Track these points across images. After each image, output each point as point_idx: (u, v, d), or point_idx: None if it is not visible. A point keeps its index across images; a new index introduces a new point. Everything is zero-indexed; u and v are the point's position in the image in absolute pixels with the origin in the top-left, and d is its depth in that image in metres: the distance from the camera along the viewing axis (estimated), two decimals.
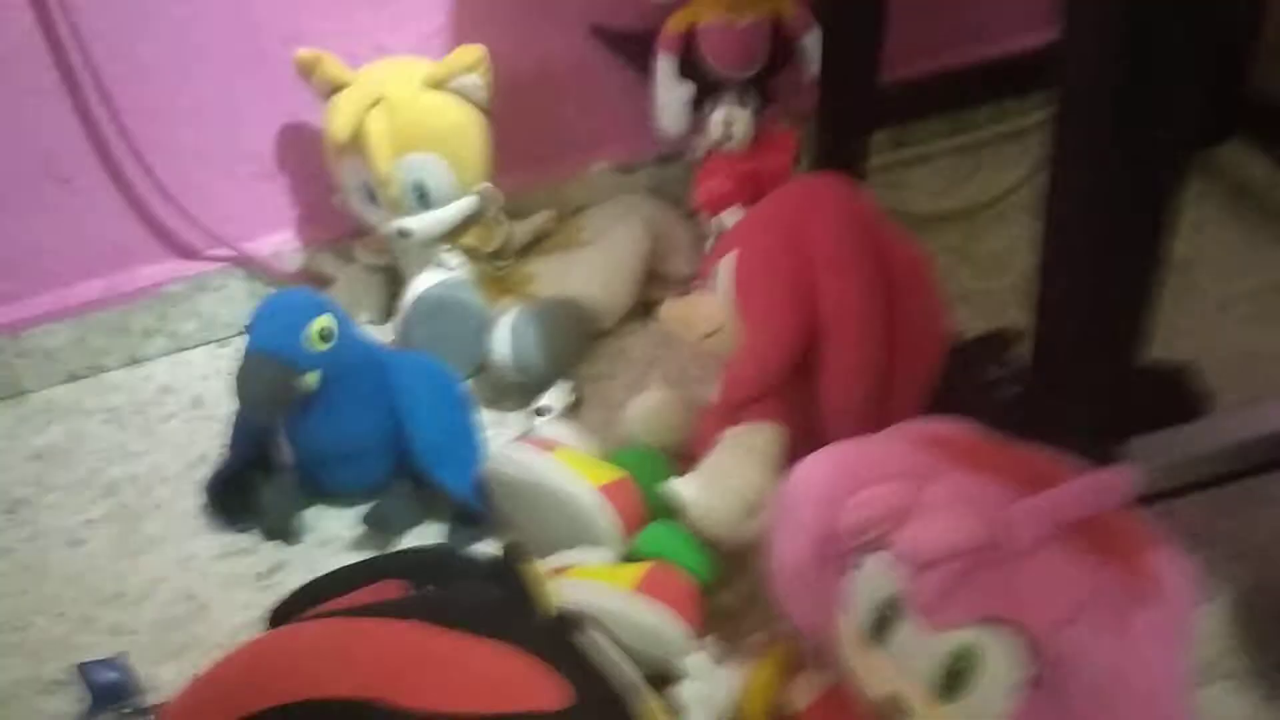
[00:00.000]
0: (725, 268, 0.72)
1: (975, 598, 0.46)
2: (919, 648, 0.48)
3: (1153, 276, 0.58)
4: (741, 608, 0.73)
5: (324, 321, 0.77)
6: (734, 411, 0.74)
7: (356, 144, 0.89)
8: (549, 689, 0.51)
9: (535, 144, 1.06)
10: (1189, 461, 0.73)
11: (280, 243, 1.06)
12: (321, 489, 0.85)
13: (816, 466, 0.55)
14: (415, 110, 0.90)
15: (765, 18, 0.92)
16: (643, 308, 0.97)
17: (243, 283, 1.06)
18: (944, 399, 0.71)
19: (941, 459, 0.52)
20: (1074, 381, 0.64)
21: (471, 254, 0.97)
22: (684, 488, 0.70)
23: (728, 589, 0.74)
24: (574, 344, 0.93)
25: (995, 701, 0.46)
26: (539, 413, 0.88)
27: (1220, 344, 0.85)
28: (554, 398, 0.89)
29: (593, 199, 1.08)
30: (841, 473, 0.53)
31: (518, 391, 0.91)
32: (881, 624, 0.50)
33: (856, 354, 0.68)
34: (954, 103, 1.10)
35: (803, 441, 0.66)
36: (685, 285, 0.89)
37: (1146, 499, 0.49)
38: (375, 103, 0.89)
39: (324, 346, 0.77)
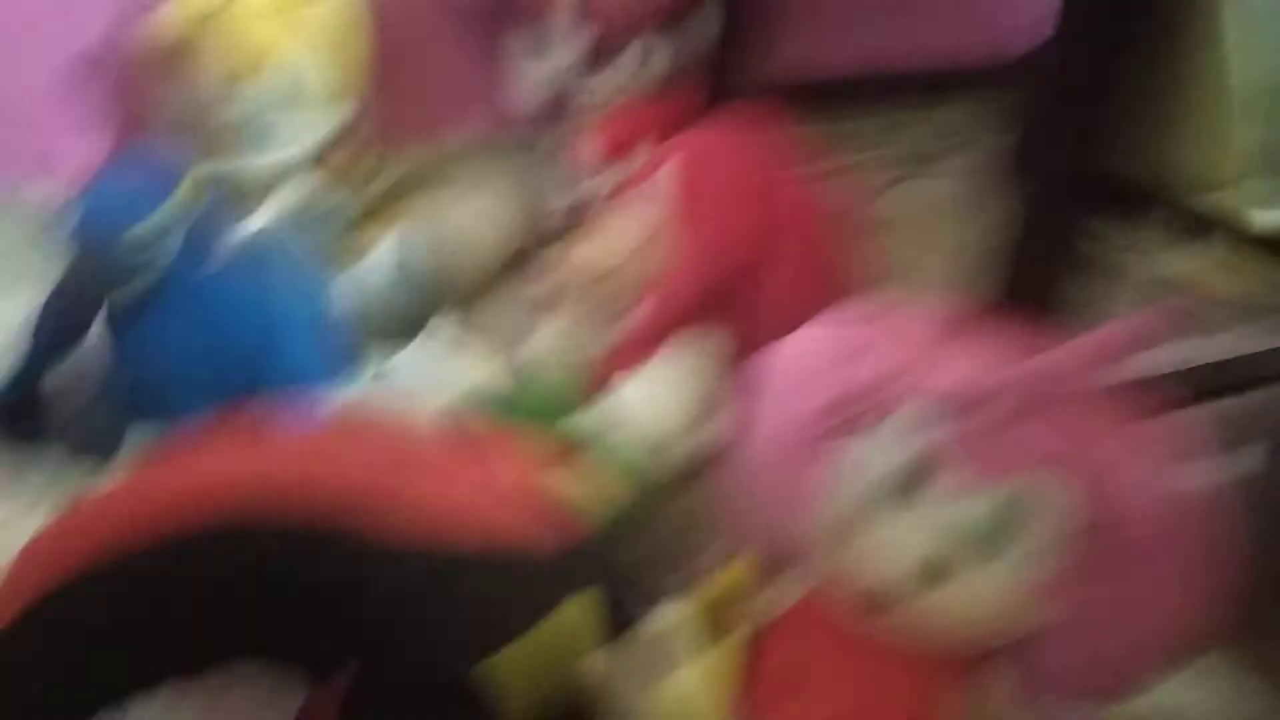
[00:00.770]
0: (664, 177, 0.69)
1: (1028, 441, 0.43)
2: (957, 506, 0.44)
3: None
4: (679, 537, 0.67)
5: (165, 217, 0.62)
6: (662, 331, 0.69)
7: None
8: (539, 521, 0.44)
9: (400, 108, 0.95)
10: None
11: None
12: (144, 414, 0.68)
13: (805, 339, 0.51)
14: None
15: None
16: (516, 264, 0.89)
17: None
18: None
19: (945, 330, 0.48)
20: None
21: (332, 186, 0.85)
22: (624, 393, 0.64)
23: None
24: (454, 281, 0.84)
25: (1043, 557, 0.43)
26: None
27: None
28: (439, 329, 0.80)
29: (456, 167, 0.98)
30: (839, 339, 0.49)
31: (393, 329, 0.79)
32: (913, 483, 0.45)
33: (814, 261, 0.67)
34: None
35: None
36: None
37: None
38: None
39: (166, 248, 0.63)
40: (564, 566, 0.43)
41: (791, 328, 0.57)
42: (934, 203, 0.86)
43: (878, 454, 0.45)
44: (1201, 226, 0.74)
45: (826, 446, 0.47)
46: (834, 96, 0.94)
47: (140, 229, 0.62)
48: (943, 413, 0.44)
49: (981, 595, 0.44)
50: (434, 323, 0.79)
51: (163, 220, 0.63)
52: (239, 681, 0.40)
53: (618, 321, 0.71)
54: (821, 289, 0.65)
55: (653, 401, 0.64)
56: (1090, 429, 0.43)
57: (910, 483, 0.44)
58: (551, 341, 0.73)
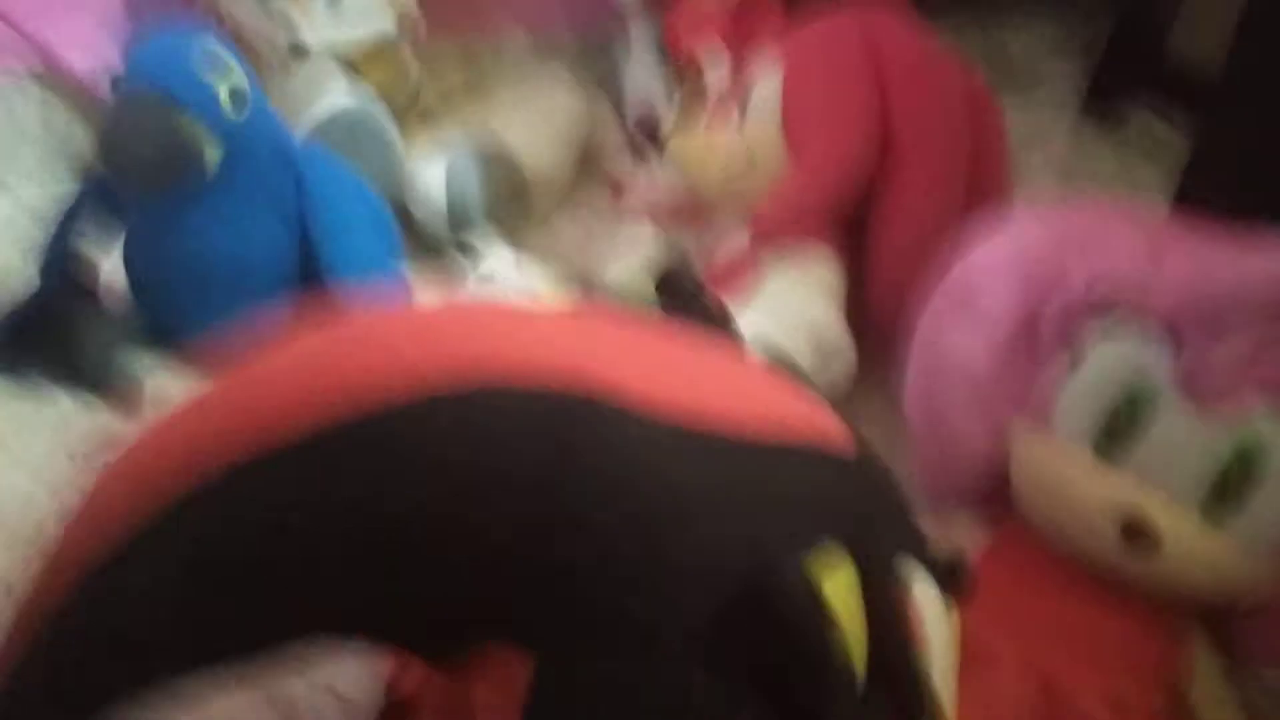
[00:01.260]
0: (767, 88, 0.61)
1: (1268, 362, 0.35)
2: (1186, 445, 0.37)
3: None
4: None
5: (236, 78, 0.55)
6: (774, 247, 0.60)
7: None
8: (840, 430, 0.34)
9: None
10: None
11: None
12: (165, 336, 0.59)
13: (1004, 242, 0.43)
14: None
15: None
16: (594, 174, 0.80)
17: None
18: None
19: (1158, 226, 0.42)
20: None
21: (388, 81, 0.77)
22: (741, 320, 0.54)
23: None
24: (507, 209, 0.75)
25: None
26: (464, 250, 0.69)
27: None
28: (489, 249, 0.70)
29: (507, 76, 0.89)
30: (1046, 241, 0.41)
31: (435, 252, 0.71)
32: (1127, 423, 0.38)
33: (936, 183, 0.59)
34: None
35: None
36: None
37: None
38: None
39: (234, 115, 0.54)
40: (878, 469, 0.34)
41: (925, 247, 0.52)
42: (1048, 121, 0.78)
43: (1097, 377, 0.39)
44: None
45: (1036, 363, 0.41)
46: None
47: (224, 79, 0.53)
48: (1178, 333, 0.36)
49: (1207, 555, 0.38)
50: (492, 235, 0.71)
51: (233, 79, 0.54)
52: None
53: (719, 242, 0.64)
54: (957, 201, 0.58)
55: (801, 303, 0.56)
56: None
57: (1122, 420, 0.38)
58: (641, 261, 0.65)
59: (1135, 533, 0.38)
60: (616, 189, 0.74)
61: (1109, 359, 0.38)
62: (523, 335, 0.29)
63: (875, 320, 0.59)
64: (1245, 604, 0.40)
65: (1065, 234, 0.41)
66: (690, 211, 0.67)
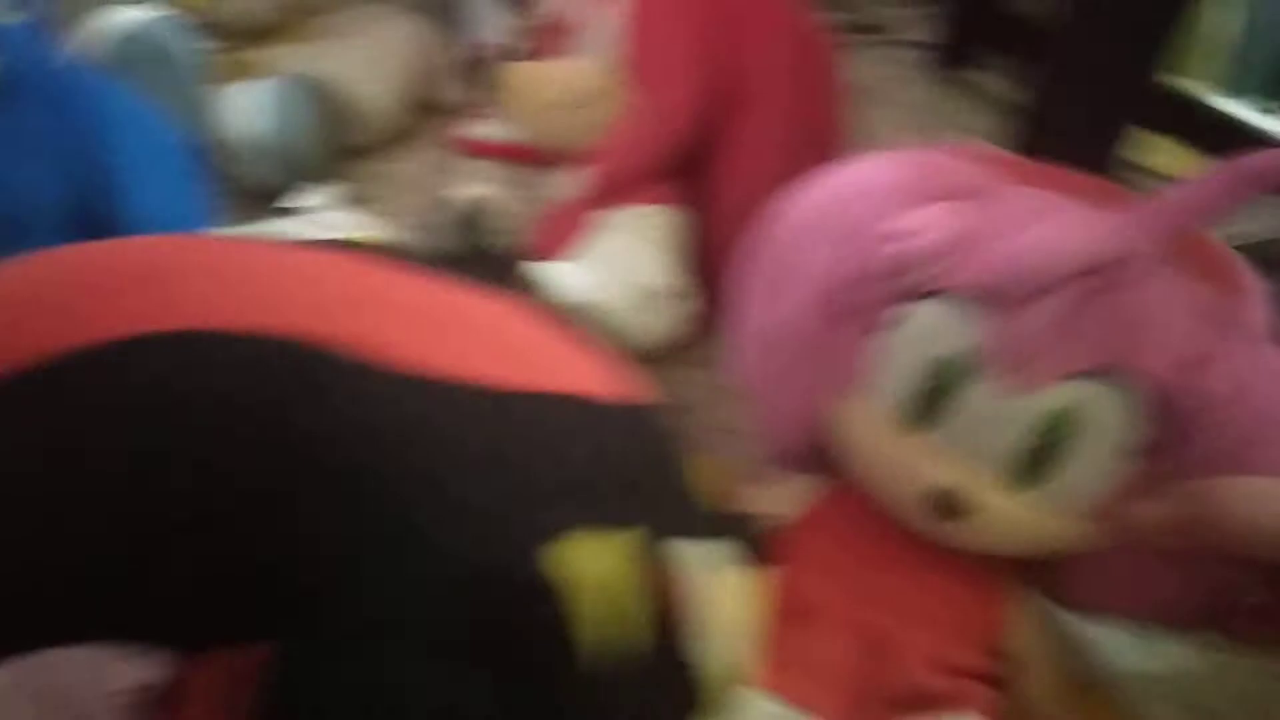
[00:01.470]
0: (605, 21, 0.58)
1: (1085, 339, 0.35)
2: (998, 417, 0.36)
3: None
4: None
5: None
6: (610, 198, 0.58)
7: None
8: (604, 376, 0.32)
9: None
10: None
11: None
12: None
13: (822, 192, 0.41)
14: None
15: None
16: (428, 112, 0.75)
17: None
18: None
19: (990, 175, 0.39)
20: None
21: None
22: (563, 273, 0.52)
23: None
24: (334, 143, 0.69)
25: (1094, 477, 0.36)
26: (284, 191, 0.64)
27: None
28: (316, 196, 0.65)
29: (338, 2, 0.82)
30: (865, 196, 0.39)
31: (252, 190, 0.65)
32: (935, 395, 0.37)
33: (783, 126, 0.57)
34: None
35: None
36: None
37: None
38: None
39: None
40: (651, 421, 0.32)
41: (764, 196, 0.49)
42: (893, 72, 0.78)
43: (910, 349, 0.37)
44: None
45: (854, 328, 0.38)
46: None
47: None
48: (986, 304, 0.35)
49: (1018, 521, 0.37)
50: (320, 177, 0.66)
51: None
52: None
53: (555, 187, 0.60)
54: (803, 146, 0.55)
55: (632, 258, 0.53)
56: (1168, 315, 0.35)
57: (936, 391, 0.36)
58: (474, 206, 0.60)
59: (946, 504, 0.37)
60: (454, 124, 0.70)
61: (918, 330, 0.37)
62: (267, 282, 0.27)
63: (718, 271, 0.57)
64: (1062, 556, 0.40)
65: (882, 195, 0.39)
66: (529, 150, 0.63)
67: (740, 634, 0.34)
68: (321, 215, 0.60)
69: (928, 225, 0.36)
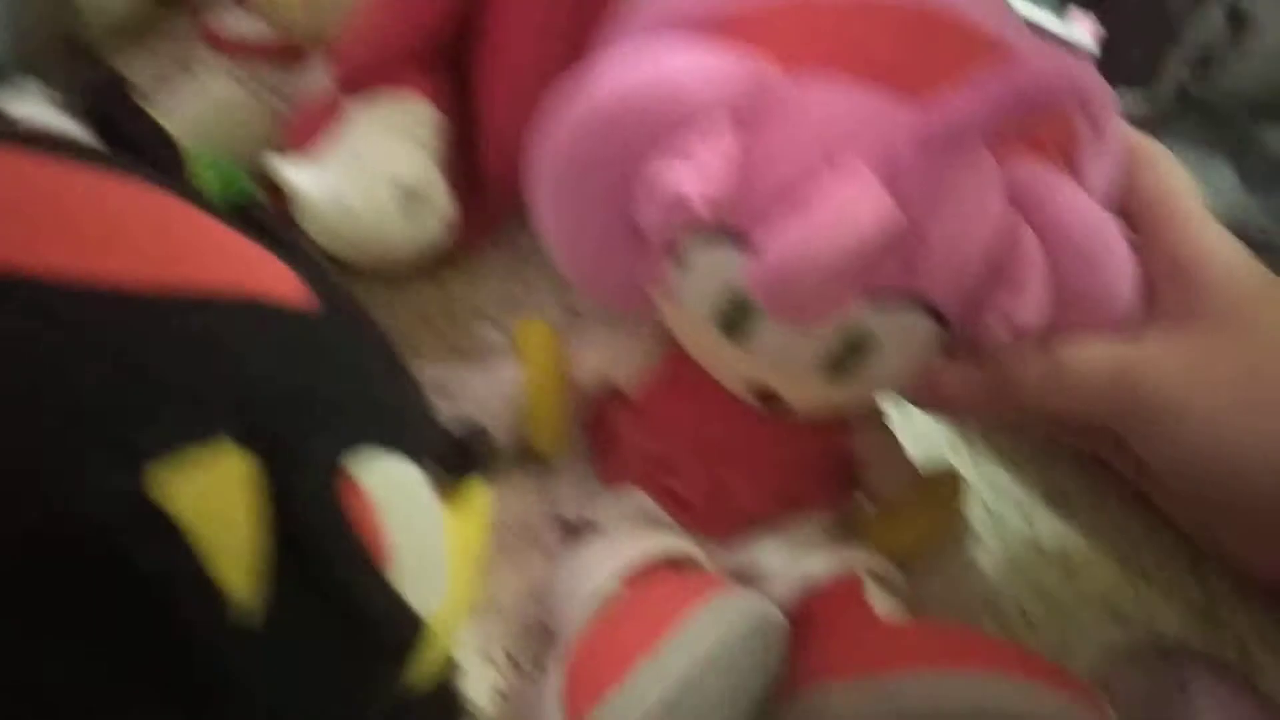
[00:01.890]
0: None
1: (863, 280, 0.33)
2: (792, 344, 0.35)
3: None
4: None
5: None
6: (355, 89, 0.51)
7: None
8: (289, 281, 0.27)
9: None
10: None
11: None
12: None
13: (597, 96, 0.35)
14: None
15: None
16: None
17: None
18: None
19: (764, 62, 0.34)
20: None
21: None
22: (297, 173, 0.46)
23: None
24: (61, 36, 0.61)
25: (902, 365, 0.36)
26: None
27: None
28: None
29: None
30: (643, 110, 0.34)
31: None
32: (735, 318, 0.36)
33: (544, 7, 0.50)
34: None
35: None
36: None
37: None
38: None
39: None
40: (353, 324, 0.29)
41: (535, 92, 0.44)
42: None
43: (698, 285, 0.36)
44: None
45: (653, 251, 0.37)
46: None
47: None
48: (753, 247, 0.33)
49: (835, 405, 0.39)
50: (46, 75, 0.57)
51: None
52: None
53: (309, 83, 0.54)
54: (574, 29, 0.48)
55: (378, 153, 0.47)
56: (954, 231, 0.32)
57: (734, 317, 0.35)
58: (206, 107, 0.54)
59: (765, 394, 0.38)
60: (200, 21, 0.62)
61: (706, 268, 0.35)
62: None
63: (491, 172, 0.52)
64: None
65: (661, 108, 0.34)
66: (279, 45, 0.56)
67: (457, 563, 0.30)
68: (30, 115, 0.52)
69: (705, 162, 0.33)
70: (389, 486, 0.25)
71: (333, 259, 0.48)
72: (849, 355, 0.35)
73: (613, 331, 0.46)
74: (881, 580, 0.42)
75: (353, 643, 0.24)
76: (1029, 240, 0.33)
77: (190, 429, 0.21)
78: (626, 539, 0.40)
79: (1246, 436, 0.32)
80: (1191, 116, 0.51)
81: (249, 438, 0.22)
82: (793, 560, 0.42)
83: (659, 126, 0.33)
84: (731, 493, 0.42)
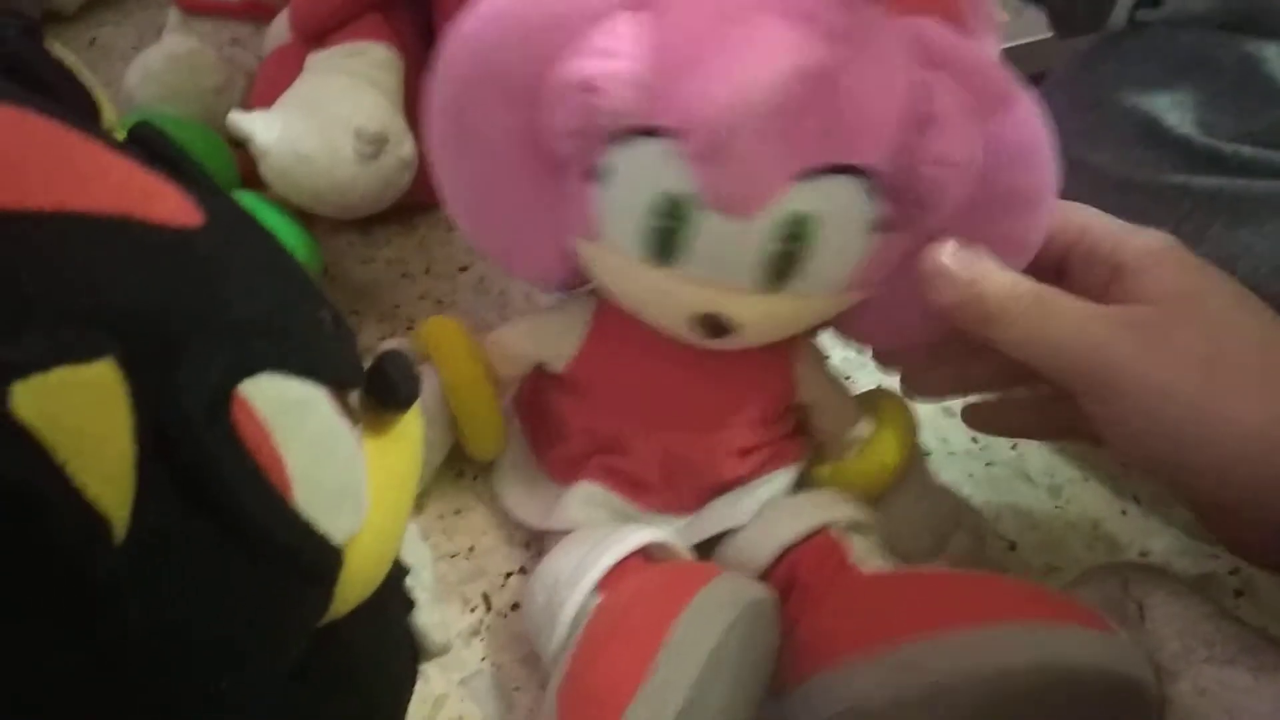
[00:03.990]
0: None
1: (795, 150, 0.31)
2: (731, 244, 0.34)
3: None
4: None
5: None
6: (313, 35, 0.51)
7: None
8: (177, 203, 0.26)
9: None
10: None
11: None
12: None
13: (473, 39, 0.34)
14: None
15: None
16: None
17: None
18: None
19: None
20: None
21: None
22: (260, 124, 0.46)
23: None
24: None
25: (843, 261, 0.35)
26: None
27: None
28: None
29: None
30: (528, 19, 0.33)
31: None
32: (668, 232, 0.34)
33: None
34: None
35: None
36: None
37: None
38: None
39: None
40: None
41: None
42: None
43: (625, 202, 0.34)
44: None
45: (567, 180, 0.35)
46: None
47: None
48: (688, 144, 0.31)
49: (781, 319, 0.37)
50: None
51: None
52: None
53: (274, 39, 0.54)
54: None
55: (337, 100, 0.47)
56: (875, 94, 0.31)
57: (666, 233, 0.33)
58: (167, 64, 0.54)
59: (712, 325, 0.36)
60: None
61: (632, 175, 0.33)
62: None
63: None
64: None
65: (550, 15, 0.33)
66: (247, 6, 0.56)
67: (383, 490, 0.30)
68: None
69: (611, 55, 0.31)
70: (283, 407, 0.25)
71: (301, 210, 0.48)
72: (790, 252, 0.33)
73: (534, 312, 0.45)
74: (857, 525, 0.41)
75: (251, 563, 0.24)
76: (944, 85, 0.32)
77: (56, 347, 0.20)
78: (593, 546, 0.38)
79: (1199, 414, 0.31)
80: (1144, 38, 0.49)
81: (120, 356, 0.21)
82: (763, 525, 0.40)
83: (555, 31, 0.32)
84: (686, 459, 0.41)
